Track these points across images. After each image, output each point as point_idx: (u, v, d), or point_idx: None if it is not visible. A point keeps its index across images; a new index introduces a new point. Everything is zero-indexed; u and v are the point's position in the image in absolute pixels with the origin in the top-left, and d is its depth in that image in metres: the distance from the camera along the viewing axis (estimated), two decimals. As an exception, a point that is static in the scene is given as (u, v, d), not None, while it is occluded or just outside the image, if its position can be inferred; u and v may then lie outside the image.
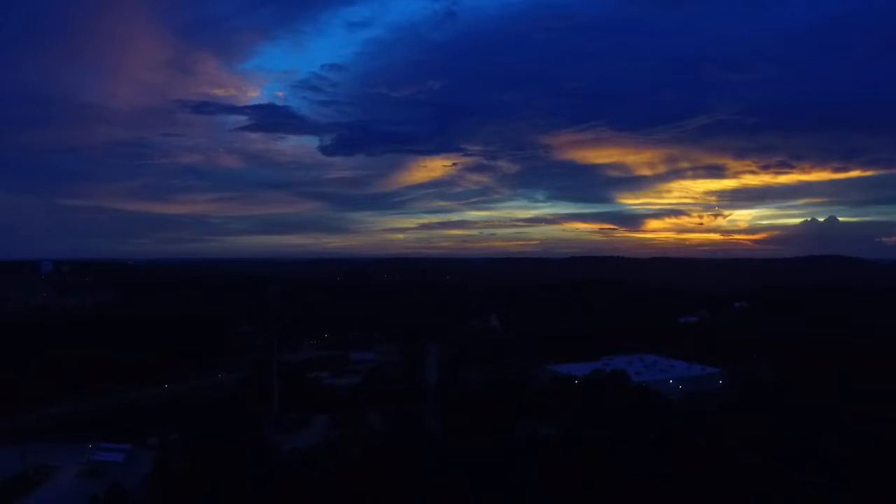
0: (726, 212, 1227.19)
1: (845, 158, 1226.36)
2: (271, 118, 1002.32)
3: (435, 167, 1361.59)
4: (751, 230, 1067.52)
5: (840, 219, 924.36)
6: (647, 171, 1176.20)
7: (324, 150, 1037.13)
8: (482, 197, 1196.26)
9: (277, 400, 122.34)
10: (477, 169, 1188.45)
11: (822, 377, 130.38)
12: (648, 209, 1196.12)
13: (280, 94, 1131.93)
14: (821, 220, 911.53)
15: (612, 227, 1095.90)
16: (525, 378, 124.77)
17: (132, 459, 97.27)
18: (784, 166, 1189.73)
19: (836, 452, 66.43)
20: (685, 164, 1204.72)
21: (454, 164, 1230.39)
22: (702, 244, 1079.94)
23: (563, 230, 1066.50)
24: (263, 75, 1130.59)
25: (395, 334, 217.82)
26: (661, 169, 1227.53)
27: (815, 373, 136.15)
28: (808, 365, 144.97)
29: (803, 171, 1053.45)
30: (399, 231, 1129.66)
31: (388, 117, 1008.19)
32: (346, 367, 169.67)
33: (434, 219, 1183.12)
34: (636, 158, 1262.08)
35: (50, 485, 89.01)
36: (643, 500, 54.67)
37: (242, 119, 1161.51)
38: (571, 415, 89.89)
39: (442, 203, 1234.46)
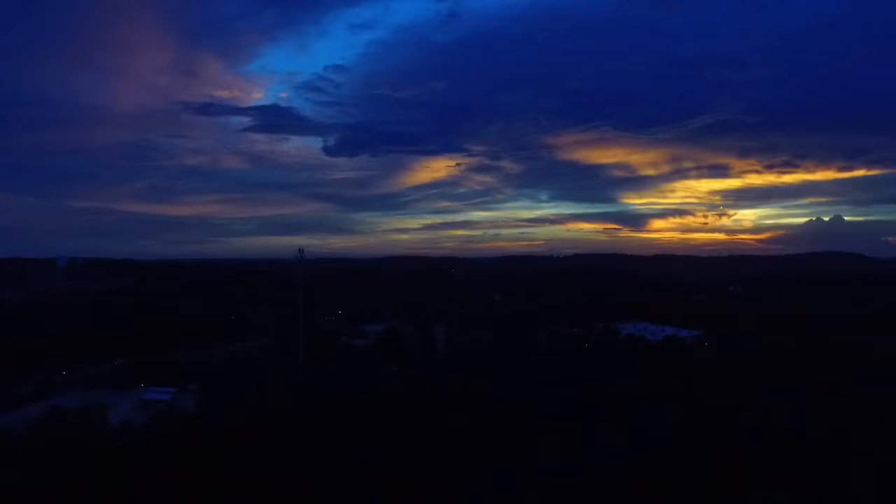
0: (731, 211, 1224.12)
1: (850, 158, 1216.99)
2: (275, 119, 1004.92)
3: (438, 168, 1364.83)
4: (755, 230, 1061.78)
5: (845, 218, 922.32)
6: (650, 171, 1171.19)
7: (327, 150, 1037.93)
8: (486, 197, 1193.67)
9: (302, 355, 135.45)
10: (480, 169, 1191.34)
11: (801, 343, 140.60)
12: (652, 209, 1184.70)
13: (284, 95, 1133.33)
14: (826, 219, 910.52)
15: (616, 227, 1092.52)
16: (525, 336, 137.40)
17: (177, 399, 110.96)
18: (788, 166, 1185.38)
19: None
20: (689, 164, 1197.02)
21: (458, 164, 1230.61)
22: (706, 244, 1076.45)
23: (567, 230, 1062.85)
24: (267, 77, 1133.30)
25: (404, 312, 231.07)
26: (665, 169, 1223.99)
27: (793, 340, 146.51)
28: (787, 333, 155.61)
29: (808, 170, 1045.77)
30: (403, 232, 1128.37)
31: (392, 118, 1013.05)
32: (360, 334, 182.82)
33: (438, 219, 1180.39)
34: (640, 158, 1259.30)
35: (109, 416, 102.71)
36: (617, 396, 67.42)
37: (246, 120, 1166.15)
38: (564, 355, 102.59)
39: (446, 203, 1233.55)
